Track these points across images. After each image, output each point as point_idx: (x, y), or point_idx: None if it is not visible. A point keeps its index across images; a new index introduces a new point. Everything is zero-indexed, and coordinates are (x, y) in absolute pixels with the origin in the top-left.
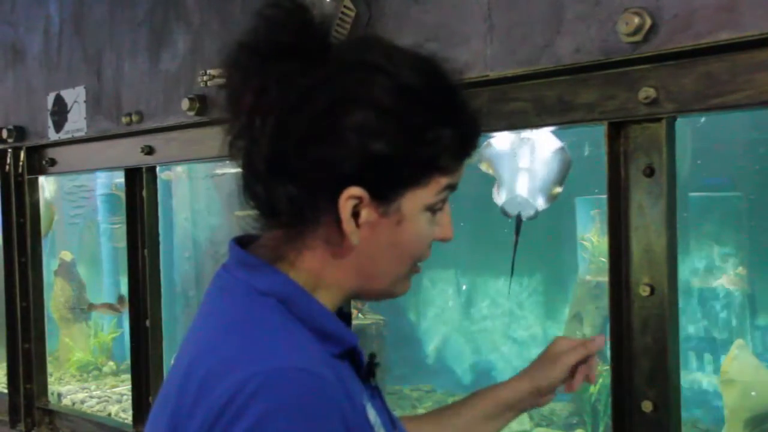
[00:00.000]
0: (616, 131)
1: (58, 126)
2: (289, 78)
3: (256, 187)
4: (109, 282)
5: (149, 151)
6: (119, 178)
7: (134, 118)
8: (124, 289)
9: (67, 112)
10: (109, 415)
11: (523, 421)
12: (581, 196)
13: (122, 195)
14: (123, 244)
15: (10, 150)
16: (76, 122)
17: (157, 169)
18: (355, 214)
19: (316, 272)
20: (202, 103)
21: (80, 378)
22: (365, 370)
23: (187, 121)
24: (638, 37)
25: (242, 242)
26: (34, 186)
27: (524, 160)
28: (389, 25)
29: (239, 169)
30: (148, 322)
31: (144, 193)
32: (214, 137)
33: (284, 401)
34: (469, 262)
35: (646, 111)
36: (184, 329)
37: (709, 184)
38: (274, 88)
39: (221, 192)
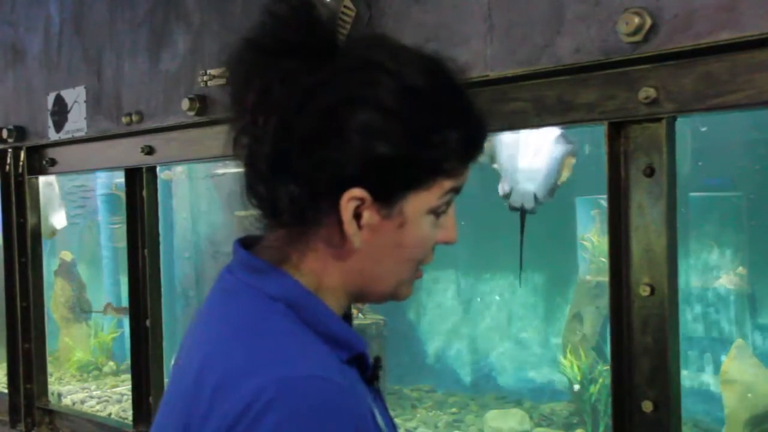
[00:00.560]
0: (616, 131)
1: (58, 126)
2: (293, 76)
3: (258, 186)
4: (109, 282)
5: (149, 151)
6: (119, 178)
7: (134, 118)
8: (124, 289)
9: (67, 112)
10: (109, 415)
11: (524, 421)
12: (581, 196)
13: (122, 195)
14: (123, 244)
15: (10, 150)
16: (76, 122)
17: (157, 169)
18: (357, 216)
19: (318, 274)
20: (202, 103)
21: (80, 378)
22: (370, 374)
23: (187, 121)
24: (638, 37)
25: (246, 244)
26: (34, 186)
27: (525, 151)
28: (389, 25)
29: (240, 169)
30: (148, 322)
31: (144, 193)
32: (214, 137)
33: (300, 409)
34: (469, 262)
35: (646, 111)
36: (184, 329)
37: (709, 184)
38: (278, 86)
39: (221, 192)
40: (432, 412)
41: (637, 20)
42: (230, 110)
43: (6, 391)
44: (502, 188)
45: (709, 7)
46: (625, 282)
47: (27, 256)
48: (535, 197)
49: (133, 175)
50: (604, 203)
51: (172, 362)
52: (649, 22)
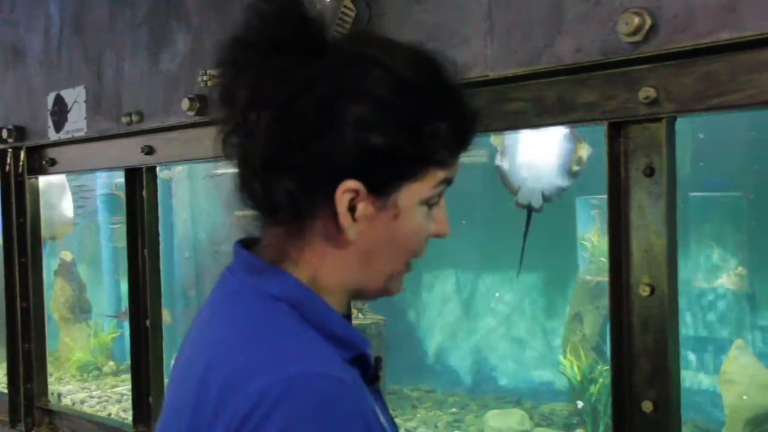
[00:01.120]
0: (616, 131)
1: (58, 126)
2: (284, 72)
3: (252, 183)
4: (109, 282)
5: (149, 151)
6: (119, 178)
7: (134, 118)
8: (124, 288)
9: (67, 112)
10: (109, 415)
11: (523, 421)
12: (581, 196)
13: (122, 195)
14: (123, 244)
15: (10, 150)
16: (76, 122)
17: (157, 168)
18: (352, 209)
19: (316, 268)
20: (202, 103)
21: (80, 378)
22: (372, 373)
23: (187, 121)
24: (638, 37)
25: (246, 244)
26: (34, 186)
27: (533, 148)
28: (389, 24)
29: (235, 169)
30: (148, 322)
31: (144, 193)
32: (213, 137)
33: (309, 407)
34: (469, 261)
35: (646, 111)
36: (184, 329)
37: (709, 184)
38: (269, 82)
39: (220, 192)
40: (432, 412)
41: (637, 20)
42: (220, 109)
43: (6, 391)
44: (510, 186)
45: (709, 7)
46: (625, 282)
47: (27, 256)
48: (543, 195)
49: (133, 175)
50: (597, 202)
51: (172, 363)
52: (649, 22)
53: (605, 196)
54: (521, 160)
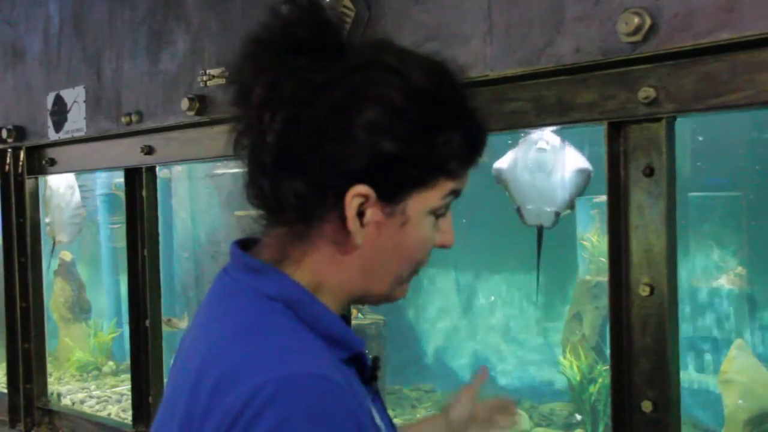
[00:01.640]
0: (616, 131)
1: (58, 126)
2: (302, 73)
3: (262, 182)
4: (109, 282)
5: (149, 151)
6: (119, 178)
7: (134, 118)
8: (124, 288)
9: (67, 112)
10: (109, 415)
11: (523, 421)
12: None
13: (122, 195)
14: (123, 244)
15: (9, 150)
16: (76, 122)
17: (157, 168)
18: (360, 214)
19: (319, 272)
20: (201, 103)
21: (80, 378)
22: (369, 373)
23: (186, 121)
24: (638, 37)
25: (243, 245)
26: (33, 186)
27: (546, 172)
28: (389, 24)
29: (241, 169)
30: (148, 322)
31: (144, 192)
32: (213, 137)
33: (300, 407)
34: (469, 261)
35: (646, 111)
36: (184, 329)
37: (709, 184)
38: (286, 82)
39: (220, 192)
40: (432, 412)
41: (636, 20)
42: (233, 106)
43: (6, 391)
44: (517, 207)
45: (708, 7)
46: (624, 282)
47: (27, 256)
48: (555, 215)
49: (132, 175)
50: (595, 201)
51: (172, 362)
52: (648, 22)
53: (605, 196)
54: (527, 182)
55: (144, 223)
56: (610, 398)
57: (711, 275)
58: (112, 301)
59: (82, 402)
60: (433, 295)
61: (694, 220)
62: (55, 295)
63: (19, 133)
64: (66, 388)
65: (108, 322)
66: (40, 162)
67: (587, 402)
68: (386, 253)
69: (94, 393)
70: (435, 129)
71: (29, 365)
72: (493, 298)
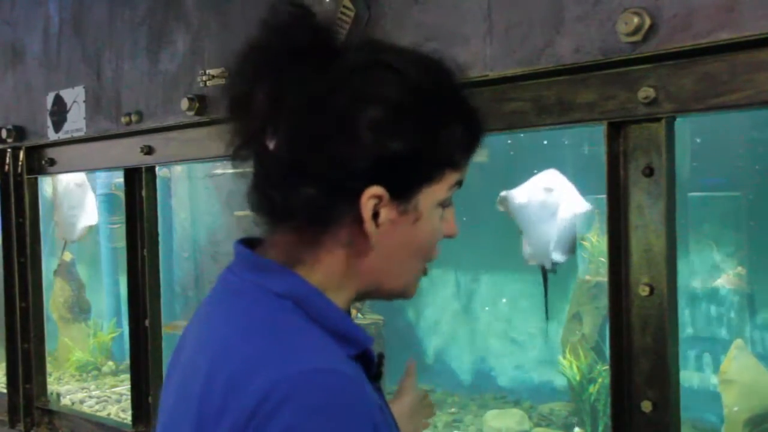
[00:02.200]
0: (616, 131)
1: (58, 126)
2: (303, 80)
3: (271, 191)
4: (109, 282)
5: (149, 151)
6: (119, 178)
7: (134, 118)
8: (124, 289)
9: (67, 112)
10: (108, 415)
11: (523, 421)
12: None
13: (122, 195)
14: (122, 244)
15: (9, 150)
16: (76, 122)
17: (156, 168)
18: (375, 215)
19: (333, 273)
20: (201, 103)
21: (79, 378)
22: (375, 370)
23: (186, 121)
24: (638, 37)
25: (247, 243)
26: (33, 186)
27: (549, 214)
28: (389, 24)
29: (240, 169)
30: (147, 322)
31: (143, 192)
32: (213, 137)
33: (316, 402)
34: (469, 261)
35: (646, 111)
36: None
37: (709, 184)
38: (288, 91)
39: (220, 192)
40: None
41: (636, 20)
42: (231, 119)
43: (5, 391)
44: (523, 248)
45: (708, 7)
46: (624, 282)
47: (26, 256)
48: (555, 258)
49: (132, 175)
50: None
51: (170, 361)
52: (648, 22)
53: (604, 196)
54: (530, 224)
55: (144, 223)
56: (609, 398)
57: (711, 275)
58: (112, 301)
59: (81, 402)
60: (433, 295)
61: (693, 220)
62: (54, 295)
63: (19, 133)
64: (66, 388)
65: (108, 322)
66: (39, 162)
67: (587, 402)
68: (400, 250)
69: (93, 393)
70: (438, 123)
71: (29, 365)
72: (496, 294)
